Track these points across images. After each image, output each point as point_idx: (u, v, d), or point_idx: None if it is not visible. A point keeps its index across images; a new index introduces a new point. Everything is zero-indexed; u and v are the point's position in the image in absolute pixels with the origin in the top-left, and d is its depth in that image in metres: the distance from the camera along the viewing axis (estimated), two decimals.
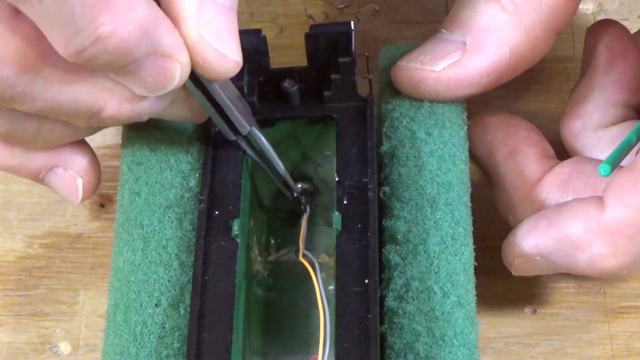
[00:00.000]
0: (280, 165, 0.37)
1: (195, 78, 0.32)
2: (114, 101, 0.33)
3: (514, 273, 0.38)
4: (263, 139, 0.36)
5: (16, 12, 0.29)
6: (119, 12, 0.28)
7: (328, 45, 0.37)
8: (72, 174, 0.37)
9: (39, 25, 0.28)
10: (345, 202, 0.35)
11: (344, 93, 0.38)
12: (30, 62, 0.30)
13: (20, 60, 0.30)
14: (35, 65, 0.30)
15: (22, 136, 0.34)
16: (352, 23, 0.36)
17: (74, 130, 0.35)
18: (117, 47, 0.29)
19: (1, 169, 0.37)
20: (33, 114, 0.33)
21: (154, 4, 0.30)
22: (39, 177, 0.37)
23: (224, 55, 0.31)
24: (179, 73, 0.31)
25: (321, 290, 0.33)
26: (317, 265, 0.35)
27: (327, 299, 0.34)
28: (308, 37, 0.37)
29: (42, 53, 0.30)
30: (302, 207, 0.39)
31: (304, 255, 0.36)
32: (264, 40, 0.37)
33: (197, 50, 0.31)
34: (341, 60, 0.37)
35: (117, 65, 0.30)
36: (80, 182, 0.37)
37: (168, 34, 0.30)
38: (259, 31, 0.36)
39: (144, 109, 0.34)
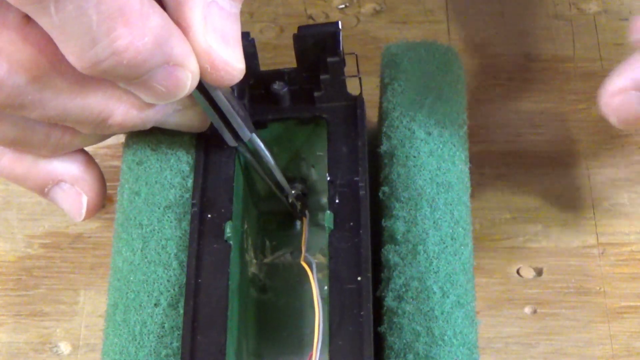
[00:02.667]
0: (277, 171, 0.37)
1: (200, 85, 0.33)
2: (121, 109, 0.33)
3: None
4: (262, 145, 0.36)
5: (28, 20, 0.29)
6: (135, 24, 0.28)
7: (316, 45, 0.37)
8: (78, 190, 0.37)
9: (53, 36, 0.28)
10: (337, 201, 0.36)
11: (333, 93, 0.38)
12: (42, 70, 0.30)
13: (32, 68, 0.30)
14: (46, 74, 0.30)
15: (31, 143, 0.34)
16: (339, 23, 0.36)
17: (83, 138, 0.35)
18: (132, 59, 0.29)
19: (7, 179, 0.37)
20: (40, 121, 0.33)
21: (166, 14, 0.30)
22: (44, 191, 0.37)
23: (230, 62, 0.32)
24: (189, 81, 0.31)
25: (317, 292, 0.33)
26: (314, 266, 0.35)
27: (323, 299, 0.34)
28: (296, 38, 0.37)
29: (52, 61, 0.30)
30: (301, 212, 0.39)
31: (302, 266, 0.36)
32: (252, 43, 0.37)
33: (205, 57, 0.31)
34: (330, 60, 0.37)
35: (130, 76, 0.30)
36: (85, 200, 0.37)
37: (179, 43, 0.30)
38: (247, 34, 0.36)
39: (150, 117, 0.34)
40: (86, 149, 0.38)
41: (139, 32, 0.28)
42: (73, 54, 0.28)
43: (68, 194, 0.37)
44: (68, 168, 0.37)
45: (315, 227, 0.40)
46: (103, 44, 0.28)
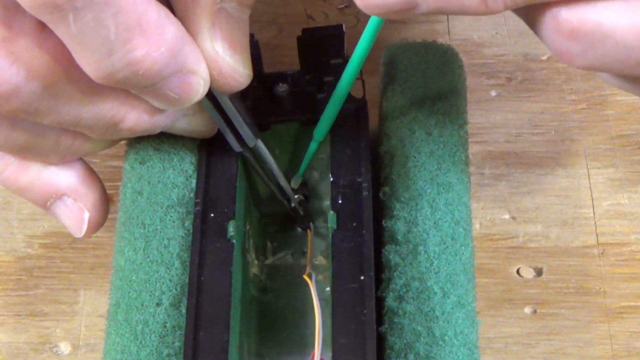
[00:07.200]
0: (281, 177, 0.37)
1: (208, 90, 0.33)
2: (133, 114, 0.33)
3: None
4: (267, 152, 0.36)
5: (43, 27, 0.29)
6: (151, 34, 0.28)
7: (320, 48, 0.37)
8: (80, 206, 0.37)
9: (69, 45, 0.28)
10: (339, 201, 0.36)
11: None
12: (56, 77, 0.30)
13: (47, 76, 0.30)
14: (61, 81, 0.30)
15: (41, 149, 0.34)
16: (343, 26, 0.36)
17: (92, 143, 0.35)
18: (148, 69, 0.29)
19: (10, 190, 0.37)
20: (52, 126, 0.33)
21: (180, 23, 0.30)
22: (46, 204, 0.37)
23: (237, 69, 0.32)
24: (202, 88, 0.31)
25: (318, 306, 0.33)
26: (314, 278, 0.35)
27: (324, 300, 0.34)
28: (300, 40, 0.37)
29: (67, 68, 0.30)
30: (305, 222, 0.39)
31: (303, 267, 0.36)
32: (256, 44, 0.37)
33: (213, 65, 0.31)
34: (333, 62, 0.37)
35: (144, 85, 0.30)
36: (87, 216, 0.37)
37: (192, 51, 0.30)
38: (251, 35, 0.36)
39: (160, 122, 0.34)
40: None
41: (155, 42, 0.28)
42: (89, 64, 0.28)
43: (70, 209, 0.37)
44: (71, 182, 0.37)
45: (317, 229, 0.40)
46: (119, 54, 0.28)
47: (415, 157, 0.36)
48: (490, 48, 0.50)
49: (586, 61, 0.28)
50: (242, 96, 0.37)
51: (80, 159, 0.37)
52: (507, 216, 0.45)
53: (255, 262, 0.40)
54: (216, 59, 0.31)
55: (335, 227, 0.35)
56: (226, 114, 0.34)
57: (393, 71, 0.39)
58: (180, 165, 0.36)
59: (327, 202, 0.39)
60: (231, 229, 0.35)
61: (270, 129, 0.39)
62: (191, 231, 0.35)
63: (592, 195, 0.45)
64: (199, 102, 0.33)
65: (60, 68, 0.30)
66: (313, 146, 0.37)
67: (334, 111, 0.36)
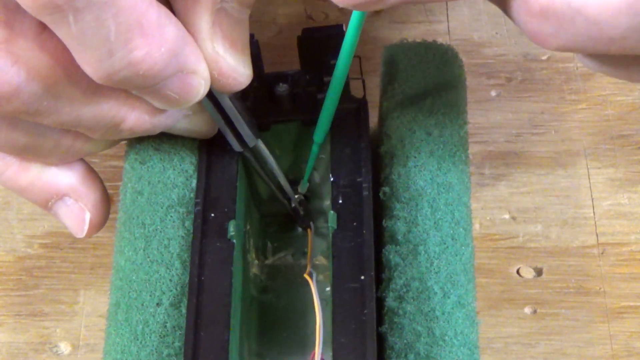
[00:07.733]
0: (282, 177, 0.37)
1: (208, 91, 0.33)
2: (133, 114, 0.33)
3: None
4: (267, 152, 0.36)
5: (43, 28, 0.29)
6: (152, 35, 0.28)
7: (320, 48, 0.37)
8: (81, 207, 0.37)
9: (70, 46, 0.28)
10: (340, 201, 0.36)
11: None
12: (57, 77, 0.30)
13: (48, 77, 0.30)
14: (61, 82, 0.30)
15: (42, 149, 0.34)
16: (343, 26, 0.36)
17: (93, 144, 0.35)
18: (148, 70, 0.29)
19: (12, 190, 0.37)
20: (53, 127, 0.33)
21: (180, 23, 0.30)
22: (47, 205, 0.37)
23: (237, 69, 0.32)
24: (202, 88, 0.31)
25: (319, 305, 0.33)
26: (315, 277, 0.35)
27: (325, 300, 0.34)
28: (300, 40, 0.37)
29: (67, 69, 0.30)
30: (305, 221, 0.39)
31: (303, 267, 0.36)
32: (256, 44, 0.37)
33: (212, 65, 0.31)
34: (333, 62, 0.37)
35: (144, 85, 0.30)
36: (88, 217, 0.37)
37: (193, 52, 0.30)
38: (251, 35, 0.36)
39: (161, 122, 0.34)
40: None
41: (155, 43, 0.28)
42: (89, 65, 0.28)
43: (71, 209, 0.37)
44: (72, 182, 0.37)
45: (317, 229, 0.40)
46: (120, 55, 0.28)
47: (415, 157, 0.36)
48: (490, 48, 0.50)
49: (559, 41, 0.28)
50: (243, 96, 0.37)
51: (81, 159, 0.37)
52: (507, 216, 0.45)
53: (256, 262, 0.40)
54: (216, 59, 0.31)
55: (335, 227, 0.35)
56: (226, 114, 0.34)
57: (393, 71, 0.39)
58: (180, 165, 0.36)
59: (327, 202, 0.39)
60: (231, 229, 0.35)
61: (271, 129, 0.39)
62: (191, 231, 0.35)
63: (592, 195, 0.45)
64: (200, 102, 0.33)
65: (60, 69, 0.30)
66: (315, 149, 0.37)
67: (330, 112, 0.36)
